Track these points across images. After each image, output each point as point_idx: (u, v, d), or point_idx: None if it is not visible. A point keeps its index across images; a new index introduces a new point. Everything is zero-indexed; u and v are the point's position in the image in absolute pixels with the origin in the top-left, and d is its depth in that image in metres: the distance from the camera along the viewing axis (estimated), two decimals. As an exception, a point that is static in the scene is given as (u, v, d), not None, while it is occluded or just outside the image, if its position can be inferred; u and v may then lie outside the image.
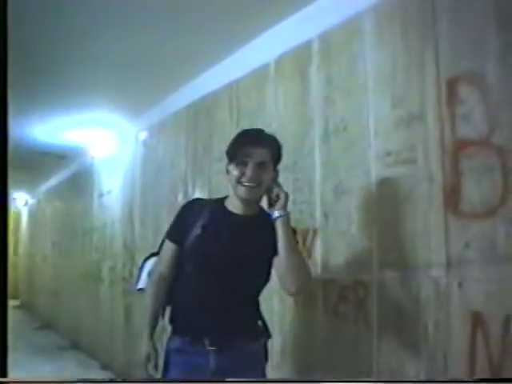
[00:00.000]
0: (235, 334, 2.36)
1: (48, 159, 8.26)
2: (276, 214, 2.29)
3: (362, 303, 2.58)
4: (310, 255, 2.97)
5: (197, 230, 2.36)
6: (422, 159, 2.32)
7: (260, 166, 2.32)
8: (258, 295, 2.43)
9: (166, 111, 5.10)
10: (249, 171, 2.31)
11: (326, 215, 2.89)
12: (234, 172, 2.34)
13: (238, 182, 2.32)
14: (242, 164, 2.33)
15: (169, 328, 2.43)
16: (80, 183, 8.56)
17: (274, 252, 2.30)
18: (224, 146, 3.85)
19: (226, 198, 2.49)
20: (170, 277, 2.47)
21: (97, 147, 7.31)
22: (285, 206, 2.30)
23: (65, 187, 9.75)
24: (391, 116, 2.48)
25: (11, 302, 13.93)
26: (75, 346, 8.11)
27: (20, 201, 14.84)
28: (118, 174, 6.65)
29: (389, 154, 2.47)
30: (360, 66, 2.69)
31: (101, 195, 7.36)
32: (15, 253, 15.73)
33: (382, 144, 2.52)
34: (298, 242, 2.40)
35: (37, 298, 12.04)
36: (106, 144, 7.00)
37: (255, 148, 2.33)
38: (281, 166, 3.22)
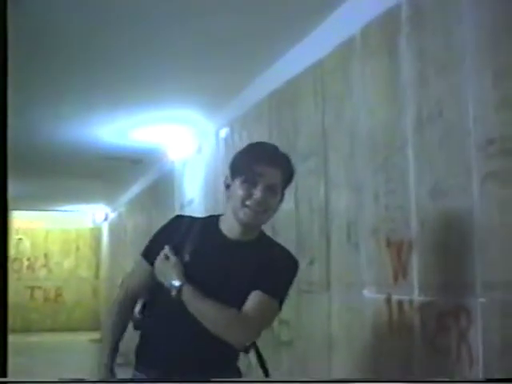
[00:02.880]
0: (212, 370, 2.41)
1: (122, 165, 8.59)
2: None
3: (464, 334, 2.51)
4: (404, 273, 2.94)
5: (184, 256, 2.42)
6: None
7: (270, 188, 2.38)
8: None
9: (247, 103, 5.19)
10: (258, 193, 2.36)
11: (422, 223, 2.84)
12: (239, 191, 2.38)
13: (243, 203, 2.37)
14: (249, 183, 2.37)
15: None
16: (161, 192, 8.84)
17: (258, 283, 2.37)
18: (310, 141, 3.95)
19: (219, 217, 2.54)
20: (137, 298, 2.60)
21: (175, 149, 7.53)
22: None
23: (146, 198, 10.10)
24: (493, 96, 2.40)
25: (90, 335, 14.57)
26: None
27: (99, 215, 15.50)
28: (199, 179, 6.82)
29: (491, 142, 2.40)
30: (456, 32, 2.63)
31: (182, 206, 7.56)
32: (96, 276, 16.44)
33: (482, 131, 2.45)
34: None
35: (119, 330, 12.49)
36: (184, 145, 7.20)
37: (269, 167, 2.39)
38: (372, 165, 3.25)
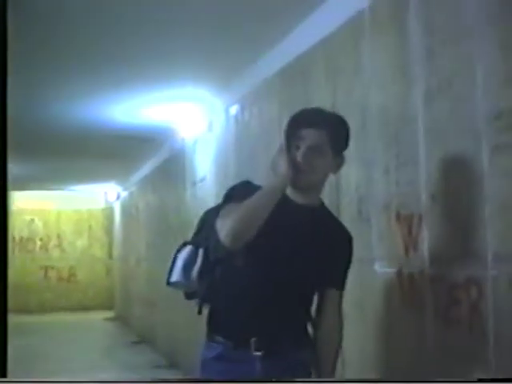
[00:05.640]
0: (285, 338, 2.51)
1: (132, 144, 8.64)
2: None
3: (476, 306, 2.53)
4: (415, 246, 2.96)
5: None
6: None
7: (314, 149, 2.48)
8: (312, 298, 2.63)
9: (256, 80, 5.20)
10: (299, 156, 2.48)
11: (432, 197, 2.86)
12: (288, 156, 2.49)
13: (291, 166, 2.46)
14: (295, 147, 2.49)
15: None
16: (172, 170, 8.87)
17: (333, 258, 2.58)
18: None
19: None
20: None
21: (186, 127, 7.56)
22: None
23: (157, 176, 10.14)
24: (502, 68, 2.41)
25: (105, 314, 14.68)
26: (174, 364, 8.43)
27: (111, 195, 15.55)
28: (210, 157, 6.85)
29: (499, 116, 2.40)
30: (464, 5, 2.63)
31: (194, 183, 7.58)
32: (110, 256, 16.49)
33: (491, 103, 2.46)
34: None
35: (132, 308, 12.59)
36: (195, 123, 7.22)
37: (308, 130, 2.49)
38: (383, 140, 3.25)
